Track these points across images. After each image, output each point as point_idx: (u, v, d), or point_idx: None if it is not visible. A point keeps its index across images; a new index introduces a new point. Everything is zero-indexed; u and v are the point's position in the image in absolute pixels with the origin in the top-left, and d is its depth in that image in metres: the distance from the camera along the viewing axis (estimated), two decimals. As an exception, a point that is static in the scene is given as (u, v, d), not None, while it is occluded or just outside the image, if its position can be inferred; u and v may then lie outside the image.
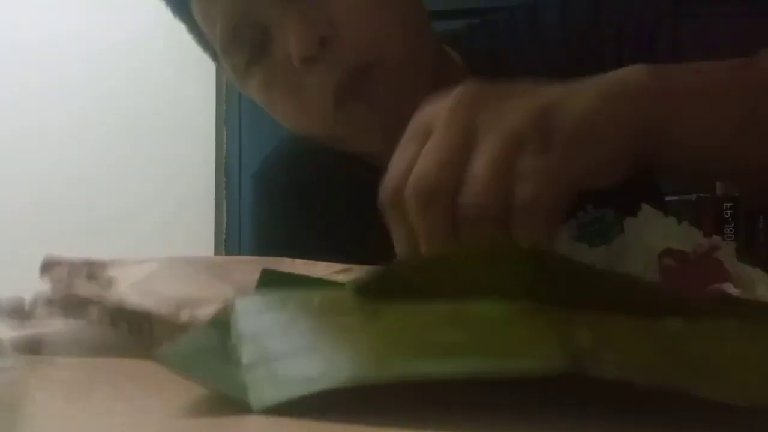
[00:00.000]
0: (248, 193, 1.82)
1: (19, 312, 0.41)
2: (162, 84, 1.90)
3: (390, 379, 0.25)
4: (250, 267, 0.42)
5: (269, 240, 0.83)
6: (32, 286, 0.45)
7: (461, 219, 0.39)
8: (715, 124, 0.42)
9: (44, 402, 0.32)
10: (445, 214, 0.39)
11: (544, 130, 0.39)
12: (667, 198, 0.74)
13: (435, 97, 0.43)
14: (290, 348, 0.28)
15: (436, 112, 0.42)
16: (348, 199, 0.76)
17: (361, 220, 0.75)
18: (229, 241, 1.88)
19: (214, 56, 0.75)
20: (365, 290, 0.31)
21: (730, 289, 0.34)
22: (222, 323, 0.32)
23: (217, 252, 1.87)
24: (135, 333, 0.38)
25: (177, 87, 1.89)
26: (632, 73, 0.43)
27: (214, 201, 1.90)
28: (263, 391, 0.26)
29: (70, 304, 0.40)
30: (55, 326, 0.40)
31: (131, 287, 0.41)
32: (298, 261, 0.52)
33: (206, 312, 0.37)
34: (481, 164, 0.39)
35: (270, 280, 0.36)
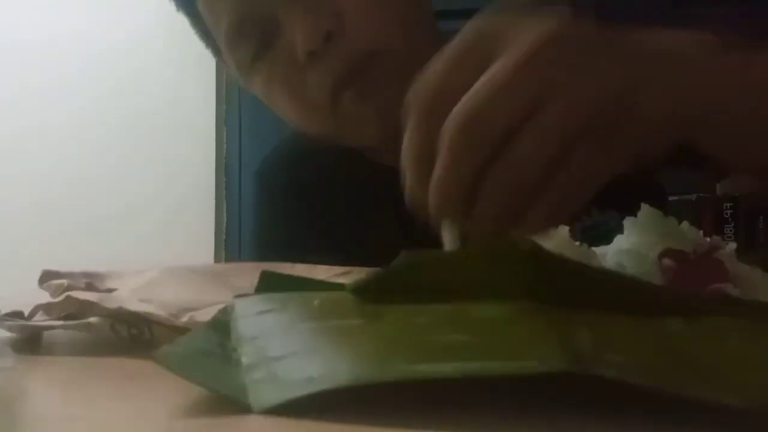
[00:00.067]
0: (248, 192, 1.82)
1: (18, 316, 0.41)
2: (162, 84, 1.90)
3: (390, 379, 0.25)
4: (249, 273, 0.42)
5: (270, 239, 0.83)
6: (32, 286, 0.45)
7: (490, 177, 0.36)
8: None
9: (44, 402, 0.32)
10: (474, 158, 0.35)
11: (613, 119, 0.36)
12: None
13: (510, 9, 0.38)
14: (290, 349, 0.28)
15: (509, 38, 0.36)
16: (348, 199, 0.76)
17: (361, 219, 0.75)
18: (229, 241, 1.88)
19: (216, 52, 0.75)
20: (365, 291, 0.31)
21: (730, 289, 0.34)
22: (222, 325, 0.32)
23: (217, 252, 1.87)
24: (135, 337, 0.38)
25: (177, 87, 1.89)
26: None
27: (214, 201, 1.90)
28: (263, 391, 0.26)
29: (69, 310, 0.40)
30: (55, 326, 0.40)
31: (131, 292, 0.42)
32: (299, 266, 0.52)
33: (205, 315, 0.37)
34: (529, 143, 0.35)
35: (270, 283, 0.36)
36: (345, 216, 0.76)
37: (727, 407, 0.23)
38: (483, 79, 0.35)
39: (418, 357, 0.26)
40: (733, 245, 0.38)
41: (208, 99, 1.89)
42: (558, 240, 0.42)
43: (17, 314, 0.42)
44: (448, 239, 0.38)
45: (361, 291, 0.31)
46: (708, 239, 0.39)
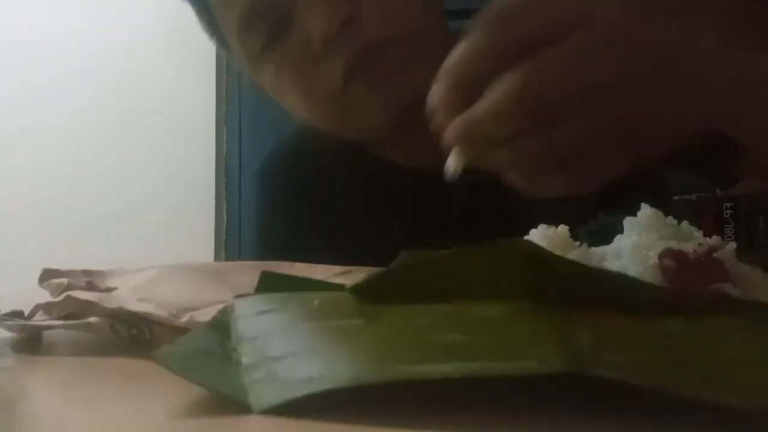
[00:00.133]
0: (248, 192, 1.82)
1: (18, 316, 0.41)
2: (162, 84, 1.90)
3: (390, 379, 0.25)
4: (249, 272, 0.42)
5: (271, 238, 0.83)
6: (32, 285, 0.45)
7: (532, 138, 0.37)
8: None
9: (44, 402, 0.32)
10: (528, 114, 0.36)
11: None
12: (667, 198, 0.74)
13: None
14: (290, 349, 0.28)
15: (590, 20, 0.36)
16: (348, 199, 0.77)
17: (361, 219, 0.75)
18: (229, 241, 1.88)
19: (222, 42, 0.74)
20: (364, 292, 0.31)
21: (730, 289, 0.34)
22: (222, 325, 0.32)
23: (217, 252, 1.87)
24: (135, 337, 0.38)
25: (177, 87, 1.89)
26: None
27: (214, 201, 1.90)
28: (263, 391, 0.26)
29: (69, 310, 0.40)
30: (55, 326, 0.40)
31: (130, 292, 0.41)
32: (298, 265, 0.52)
33: (206, 315, 0.37)
34: (585, 120, 0.36)
35: (269, 283, 0.36)
36: (345, 216, 0.76)
37: (727, 407, 0.23)
38: (575, 41, 0.36)
39: (418, 357, 0.26)
40: (733, 245, 0.38)
41: (208, 99, 1.90)
42: (558, 240, 0.42)
43: (17, 314, 0.42)
44: (454, 164, 0.39)
45: (360, 291, 0.31)
46: (708, 239, 0.39)
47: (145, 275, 0.46)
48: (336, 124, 0.70)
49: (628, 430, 0.24)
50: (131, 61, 1.90)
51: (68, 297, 0.40)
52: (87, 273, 0.47)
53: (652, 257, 0.37)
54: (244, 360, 0.28)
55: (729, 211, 0.66)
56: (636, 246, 0.39)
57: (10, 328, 0.40)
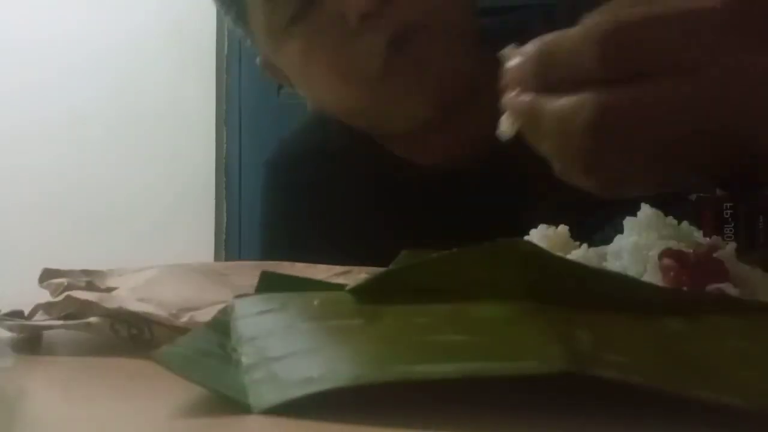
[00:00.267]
0: (248, 192, 1.82)
1: (18, 316, 0.41)
2: (162, 84, 1.90)
3: (390, 379, 0.25)
4: (249, 272, 0.42)
5: (273, 235, 0.83)
6: (32, 285, 0.45)
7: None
8: None
9: (44, 402, 0.32)
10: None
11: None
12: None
13: None
14: (290, 349, 0.28)
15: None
16: (348, 199, 0.76)
17: (361, 220, 0.75)
18: (229, 241, 1.88)
19: (238, 18, 0.69)
20: (364, 292, 0.31)
21: (730, 289, 0.34)
22: (222, 325, 0.32)
23: (217, 251, 1.87)
24: (135, 337, 0.38)
25: (177, 87, 1.89)
26: None
27: (214, 201, 1.90)
28: (263, 391, 0.26)
29: (69, 310, 0.40)
30: (55, 326, 0.40)
31: (130, 292, 0.41)
32: (298, 265, 0.52)
33: (206, 315, 0.37)
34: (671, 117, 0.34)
35: (269, 283, 0.36)
36: (345, 215, 0.76)
37: (727, 407, 0.23)
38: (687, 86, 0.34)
39: (418, 357, 0.26)
40: (733, 245, 0.38)
41: (208, 99, 1.90)
42: (558, 240, 0.42)
43: (17, 314, 0.42)
44: (506, 126, 0.39)
45: (360, 291, 0.31)
46: (708, 239, 0.39)
47: (145, 275, 0.46)
48: (368, 109, 0.66)
49: (627, 430, 0.24)
50: (131, 60, 1.90)
51: (68, 297, 0.40)
52: (87, 273, 0.47)
53: (652, 257, 0.37)
54: (244, 360, 0.28)
55: (729, 211, 0.66)
56: (636, 246, 0.39)
57: (10, 328, 0.40)
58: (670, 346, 0.27)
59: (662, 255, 0.37)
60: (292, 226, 0.80)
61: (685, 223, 0.40)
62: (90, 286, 0.44)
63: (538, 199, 0.61)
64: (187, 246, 1.81)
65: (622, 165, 0.36)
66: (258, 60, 0.74)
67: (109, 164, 1.91)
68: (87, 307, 0.39)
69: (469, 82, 0.65)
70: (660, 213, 0.40)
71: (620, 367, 0.24)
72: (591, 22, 0.35)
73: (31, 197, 1.89)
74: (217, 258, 1.85)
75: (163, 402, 0.27)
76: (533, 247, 0.31)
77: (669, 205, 0.41)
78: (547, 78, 0.36)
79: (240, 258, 1.75)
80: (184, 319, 0.38)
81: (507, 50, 0.38)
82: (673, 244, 0.37)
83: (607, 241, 0.41)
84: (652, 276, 0.36)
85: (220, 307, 0.34)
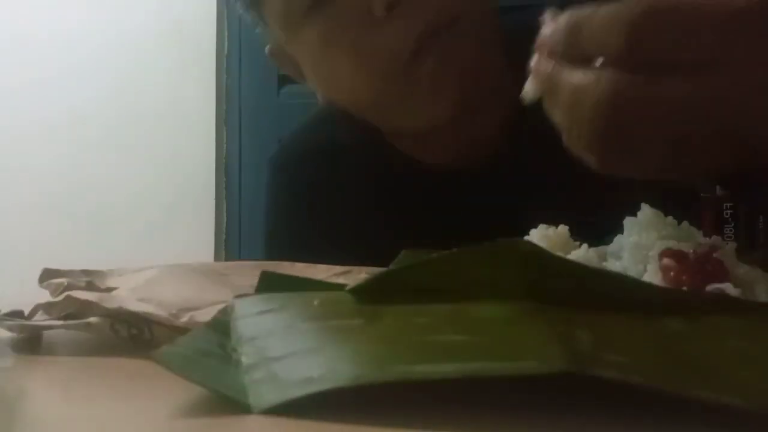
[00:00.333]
0: (248, 192, 1.82)
1: (18, 316, 0.41)
2: (162, 84, 1.90)
3: (390, 379, 0.25)
4: (249, 272, 0.42)
5: (278, 227, 0.82)
6: (32, 285, 0.45)
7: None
8: None
9: (44, 402, 0.32)
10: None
11: None
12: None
13: None
14: (290, 349, 0.28)
15: None
16: (348, 199, 0.76)
17: (361, 220, 0.75)
18: (229, 241, 1.88)
19: (251, 2, 0.67)
20: (364, 292, 0.31)
21: (730, 289, 0.34)
22: (222, 325, 0.32)
23: (217, 252, 1.87)
24: (135, 337, 0.38)
25: (177, 87, 1.89)
26: None
27: (214, 201, 1.90)
28: (263, 391, 0.26)
29: (69, 310, 0.40)
30: (55, 326, 0.40)
31: (130, 292, 0.41)
32: (298, 265, 0.52)
33: (206, 315, 0.37)
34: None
35: (269, 283, 0.36)
36: (345, 215, 0.76)
37: (727, 407, 0.23)
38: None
39: (418, 357, 0.26)
40: (733, 245, 0.38)
41: (208, 99, 1.89)
42: (558, 240, 0.42)
43: (17, 314, 0.42)
44: (529, 90, 0.39)
45: (360, 291, 0.31)
46: (708, 239, 0.39)
47: (145, 275, 0.46)
48: (385, 103, 0.64)
49: (628, 430, 0.24)
50: (131, 60, 1.90)
51: (68, 297, 0.40)
52: (87, 273, 0.47)
53: (652, 257, 0.37)
54: (244, 360, 0.28)
55: (729, 211, 0.66)
56: (636, 246, 0.39)
57: (10, 328, 0.40)
58: (670, 346, 0.27)
59: (662, 255, 0.37)
60: (294, 224, 0.80)
61: (685, 223, 0.40)
62: (90, 286, 0.44)
63: (538, 199, 0.61)
64: (187, 246, 1.81)
65: (624, 146, 0.36)
66: (266, 49, 0.72)
67: (109, 164, 1.90)
68: (87, 307, 0.39)
69: (490, 81, 0.64)
70: (660, 213, 0.40)
71: (620, 367, 0.24)
72: (627, 1, 0.35)
73: (31, 197, 1.88)
74: (217, 258, 1.85)
75: (163, 402, 0.27)
76: (533, 247, 0.31)
77: (669, 205, 0.41)
78: (573, 49, 0.36)
79: (240, 258, 1.75)
80: (184, 319, 0.38)
81: (547, 14, 0.39)
82: (673, 244, 0.37)
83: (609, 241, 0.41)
84: (652, 276, 0.36)
85: (220, 307, 0.34)
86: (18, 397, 0.32)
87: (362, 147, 0.74)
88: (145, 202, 1.89)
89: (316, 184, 0.78)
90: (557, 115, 0.38)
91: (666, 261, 0.36)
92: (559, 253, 0.39)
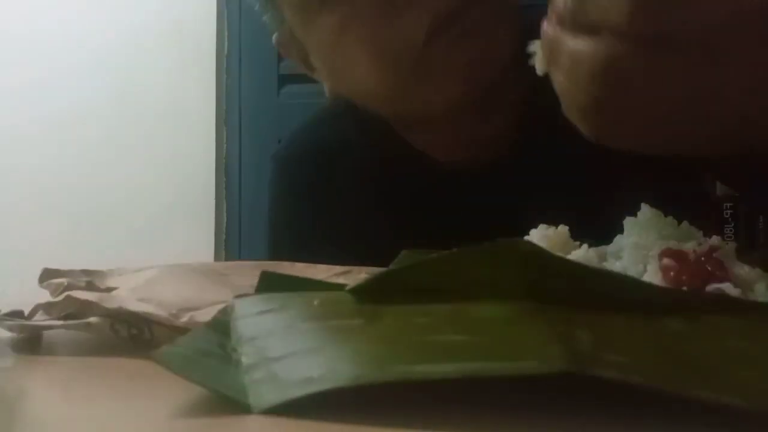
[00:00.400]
0: (248, 192, 1.82)
1: (18, 316, 0.41)
2: (162, 84, 1.89)
3: (390, 379, 0.25)
4: (249, 272, 0.42)
5: (281, 223, 0.82)
6: (32, 285, 0.45)
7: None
8: None
9: (44, 402, 0.32)
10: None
11: None
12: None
13: None
14: (290, 349, 0.28)
15: None
16: (348, 199, 0.76)
17: (361, 220, 0.75)
18: (229, 241, 1.88)
19: None
20: (364, 292, 0.31)
21: (730, 289, 0.34)
22: (222, 325, 0.32)
23: (217, 252, 1.87)
24: (135, 337, 0.38)
25: (177, 87, 1.89)
26: None
27: (214, 201, 1.90)
28: (263, 391, 0.26)
29: (69, 310, 0.40)
30: (55, 326, 0.40)
31: (130, 292, 0.41)
32: (298, 265, 0.52)
33: (206, 315, 0.37)
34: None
35: (269, 283, 0.36)
36: (345, 215, 0.76)
37: (727, 407, 0.23)
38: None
39: (418, 357, 0.26)
40: (733, 245, 0.38)
41: (208, 99, 1.89)
42: (558, 240, 0.42)
43: (17, 314, 0.42)
44: (539, 59, 0.40)
45: (360, 291, 0.31)
46: (708, 239, 0.39)
47: (145, 275, 0.46)
48: (399, 90, 0.63)
49: (628, 430, 0.24)
50: (131, 60, 1.90)
51: (68, 297, 0.40)
52: (87, 273, 0.47)
53: (652, 257, 0.37)
54: (244, 360, 0.28)
55: (729, 211, 0.66)
56: (636, 246, 0.39)
57: (10, 328, 0.40)
58: (670, 346, 0.27)
59: (662, 255, 0.37)
60: (295, 221, 0.80)
61: (685, 223, 0.40)
62: (90, 286, 0.44)
63: (538, 199, 0.61)
64: (187, 246, 1.81)
65: (618, 117, 0.37)
66: (274, 37, 0.71)
67: (109, 164, 1.90)
68: (87, 307, 0.39)
69: (504, 71, 0.63)
70: (660, 213, 0.40)
71: (620, 367, 0.24)
72: None
73: (31, 197, 1.88)
74: (217, 258, 1.85)
75: (163, 402, 0.27)
76: (533, 247, 0.31)
77: (669, 205, 0.41)
78: (579, 16, 0.36)
79: (240, 258, 1.75)
80: (184, 319, 0.38)
81: None
82: (673, 244, 0.37)
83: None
84: (652, 276, 0.36)
85: (220, 307, 0.34)
86: (18, 397, 0.32)
87: (364, 146, 0.74)
88: (145, 202, 1.89)
89: (317, 182, 0.78)
90: (557, 82, 0.38)
91: (666, 261, 0.36)
92: (559, 253, 0.39)
